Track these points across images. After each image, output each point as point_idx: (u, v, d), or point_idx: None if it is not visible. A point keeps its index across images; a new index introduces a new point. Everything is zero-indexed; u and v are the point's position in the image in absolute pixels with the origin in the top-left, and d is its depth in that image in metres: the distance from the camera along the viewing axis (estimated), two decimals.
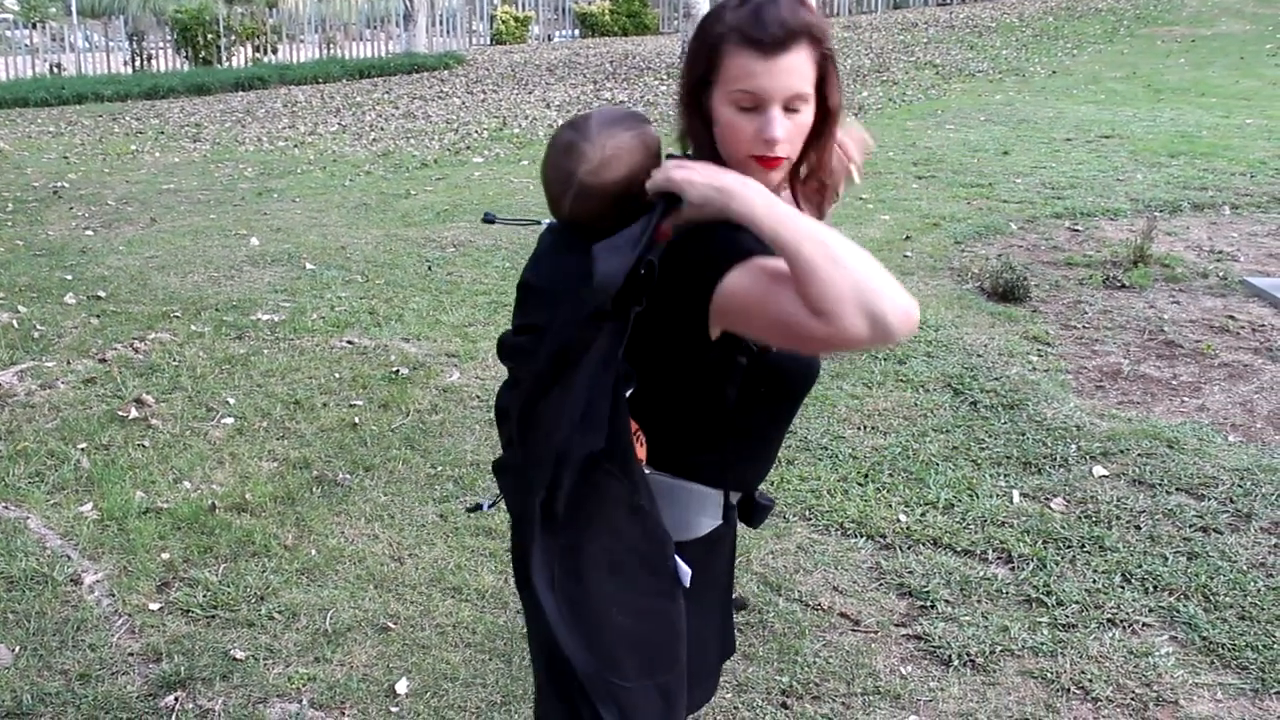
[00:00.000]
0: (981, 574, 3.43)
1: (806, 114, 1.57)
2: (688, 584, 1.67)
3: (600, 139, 1.57)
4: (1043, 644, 3.08)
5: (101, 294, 6.51)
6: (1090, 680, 2.93)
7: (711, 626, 1.87)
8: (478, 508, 1.82)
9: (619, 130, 1.58)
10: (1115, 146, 10.21)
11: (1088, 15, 20.46)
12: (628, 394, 1.56)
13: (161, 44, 22.78)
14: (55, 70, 21.07)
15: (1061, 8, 21.53)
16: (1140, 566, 3.43)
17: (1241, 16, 19.66)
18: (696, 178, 1.48)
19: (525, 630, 1.68)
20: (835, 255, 1.37)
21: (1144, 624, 3.17)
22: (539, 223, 1.76)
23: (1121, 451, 4.19)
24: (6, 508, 3.98)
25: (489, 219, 1.87)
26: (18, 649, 3.14)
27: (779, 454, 1.86)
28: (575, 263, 1.52)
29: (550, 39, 25.41)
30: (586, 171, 1.56)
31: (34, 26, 22.75)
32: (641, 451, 1.66)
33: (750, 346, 1.58)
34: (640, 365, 1.60)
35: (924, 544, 3.61)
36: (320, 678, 3.02)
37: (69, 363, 5.38)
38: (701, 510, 1.73)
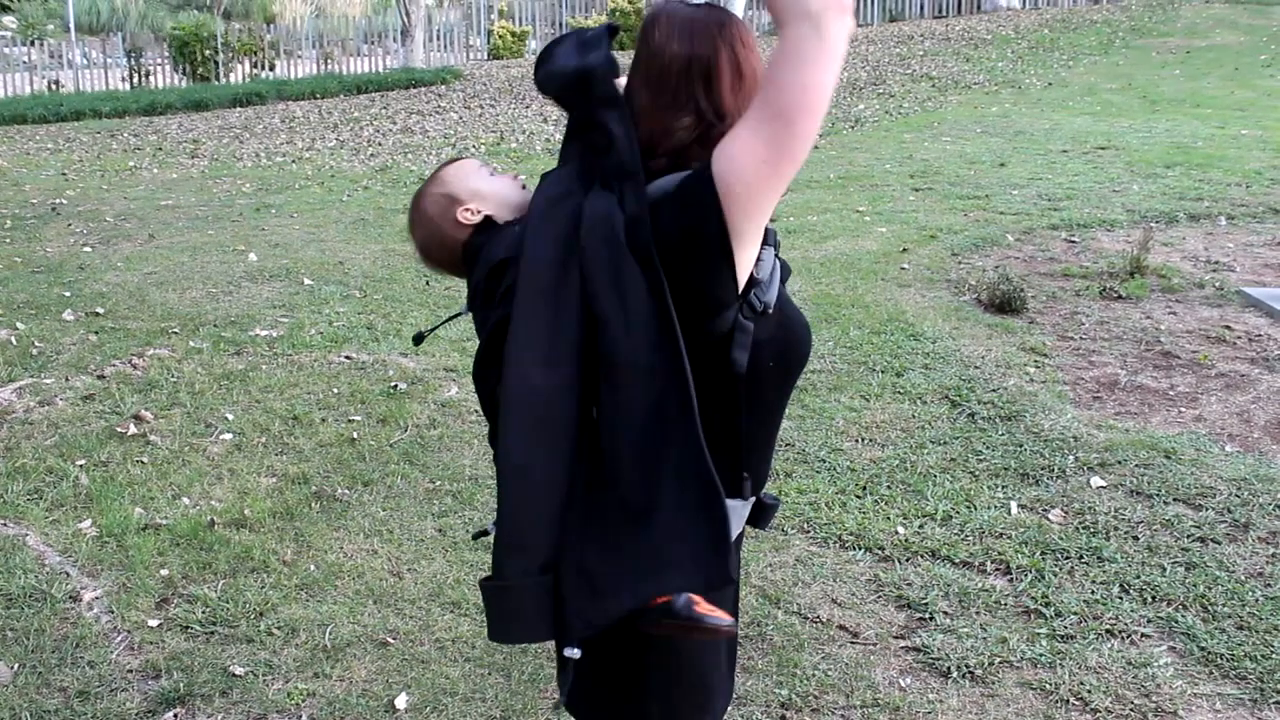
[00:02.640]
0: (980, 585, 3.43)
1: None
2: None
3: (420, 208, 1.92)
4: (1041, 655, 3.09)
5: (100, 310, 6.52)
6: (1089, 691, 2.93)
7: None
8: (484, 533, 1.82)
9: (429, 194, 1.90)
10: (1111, 158, 10.24)
11: (1083, 27, 20.53)
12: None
13: (159, 60, 22.86)
14: (53, 87, 21.12)
15: (1057, 20, 21.61)
16: (1138, 577, 3.44)
17: (1236, 28, 19.73)
18: None
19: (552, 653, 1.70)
20: None
21: (1142, 634, 3.18)
22: (460, 313, 1.92)
23: (1119, 462, 4.20)
24: (5, 525, 3.98)
25: (418, 339, 2.04)
26: (17, 666, 3.14)
27: (776, 466, 1.87)
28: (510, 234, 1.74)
29: None
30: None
31: (32, 43, 22.81)
32: None
33: (757, 304, 1.62)
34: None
35: (922, 556, 3.62)
36: (320, 693, 3.02)
37: (67, 379, 5.39)
38: (734, 524, 1.75)
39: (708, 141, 1.61)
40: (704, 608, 1.62)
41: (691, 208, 1.56)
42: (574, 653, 1.63)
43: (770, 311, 1.65)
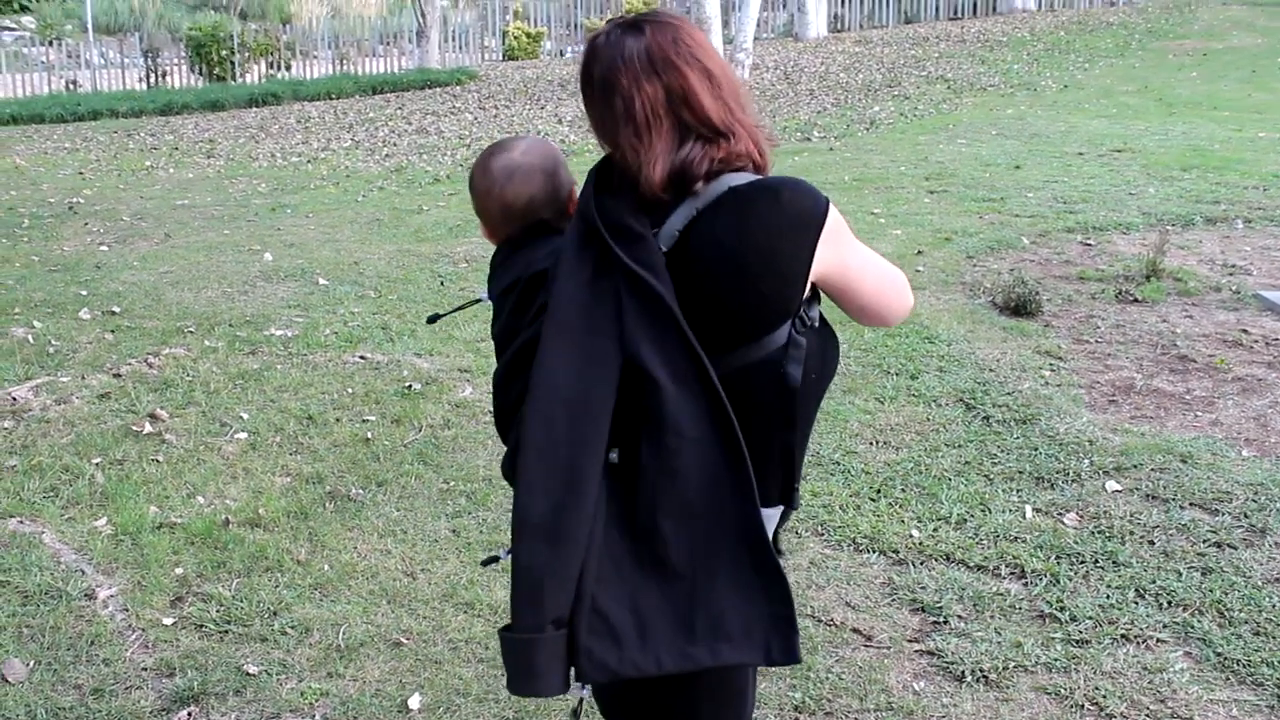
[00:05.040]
0: (994, 589, 3.42)
1: None
2: None
3: (520, 158, 1.86)
4: (1056, 660, 3.07)
5: (116, 309, 6.54)
6: (1104, 696, 2.92)
7: None
8: (493, 560, 1.83)
9: (535, 155, 1.86)
10: (1127, 160, 10.20)
11: (1099, 30, 20.46)
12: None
13: (176, 61, 22.94)
14: (71, 87, 21.23)
15: (1073, 22, 21.54)
16: (1154, 582, 3.42)
17: (1253, 30, 19.64)
18: None
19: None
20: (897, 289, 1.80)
21: (1158, 640, 3.16)
22: (478, 300, 1.91)
23: (1135, 466, 4.18)
24: (21, 522, 4.00)
25: (432, 320, 2.07)
26: (32, 663, 3.16)
27: None
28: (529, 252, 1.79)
29: (562, 54, 25.49)
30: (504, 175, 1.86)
31: (50, 43, 22.93)
32: None
33: (807, 319, 1.66)
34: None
35: (936, 559, 3.61)
36: (333, 693, 3.02)
37: (84, 378, 5.41)
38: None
39: (724, 150, 1.66)
40: None
41: (794, 211, 1.62)
42: (582, 692, 1.65)
43: (816, 325, 1.69)
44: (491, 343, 1.82)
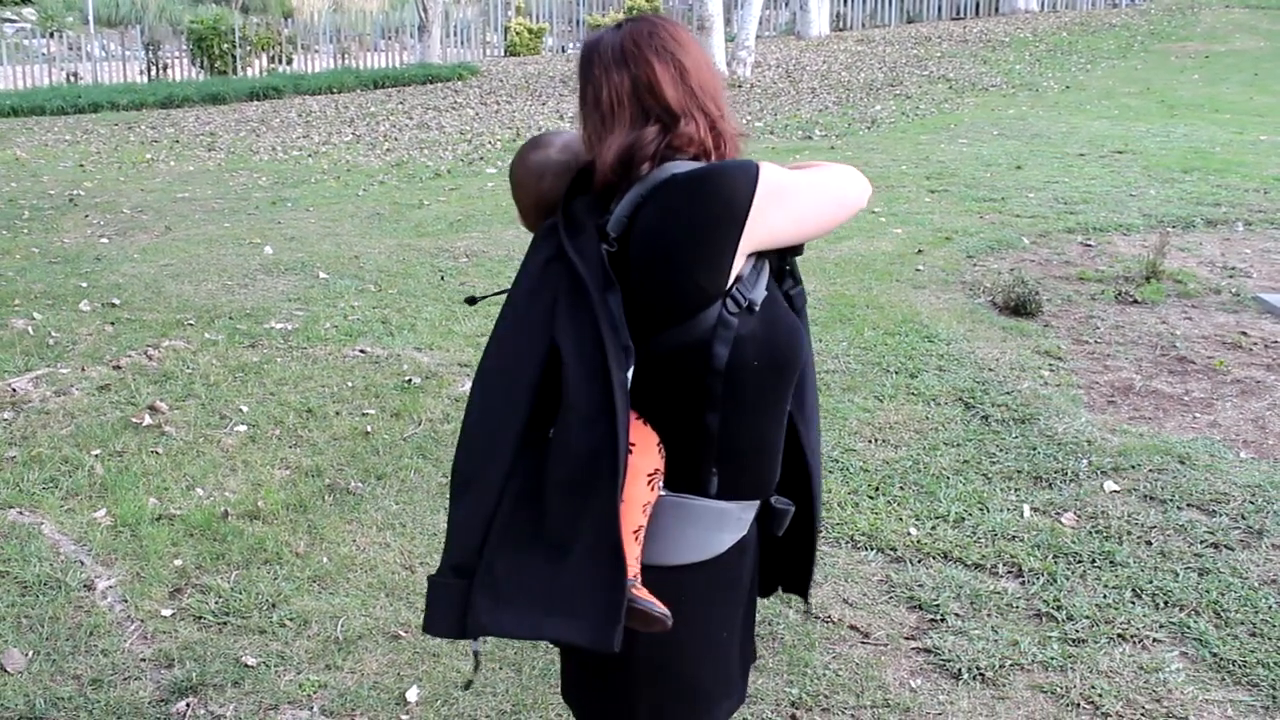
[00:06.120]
0: (992, 588, 3.43)
1: None
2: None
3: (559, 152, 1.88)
4: (1053, 658, 3.08)
5: (116, 301, 6.55)
6: (1100, 695, 2.93)
7: (734, 638, 1.88)
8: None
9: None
10: (1128, 162, 10.21)
11: (1101, 31, 20.47)
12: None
13: (177, 53, 22.92)
14: (72, 79, 21.21)
15: (1075, 23, 21.54)
16: (1151, 582, 3.43)
17: (1256, 33, 19.65)
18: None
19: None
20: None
21: (1154, 639, 3.17)
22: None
23: (1133, 467, 4.19)
24: (21, 513, 4.01)
25: (472, 301, 2.12)
26: (31, 654, 3.16)
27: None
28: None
29: (564, 50, 25.48)
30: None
31: (51, 35, 22.91)
32: (659, 461, 1.69)
33: (741, 300, 1.67)
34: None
35: (934, 557, 3.61)
36: (331, 685, 3.03)
37: (83, 369, 5.41)
38: (721, 526, 1.75)
39: (675, 135, 1.72)
40: (641, 593, 1.66)
41: (716, 200, 1.64)
42: (476, 645, 1.73)
43: (755, 309, 1.68)
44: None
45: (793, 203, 1.71)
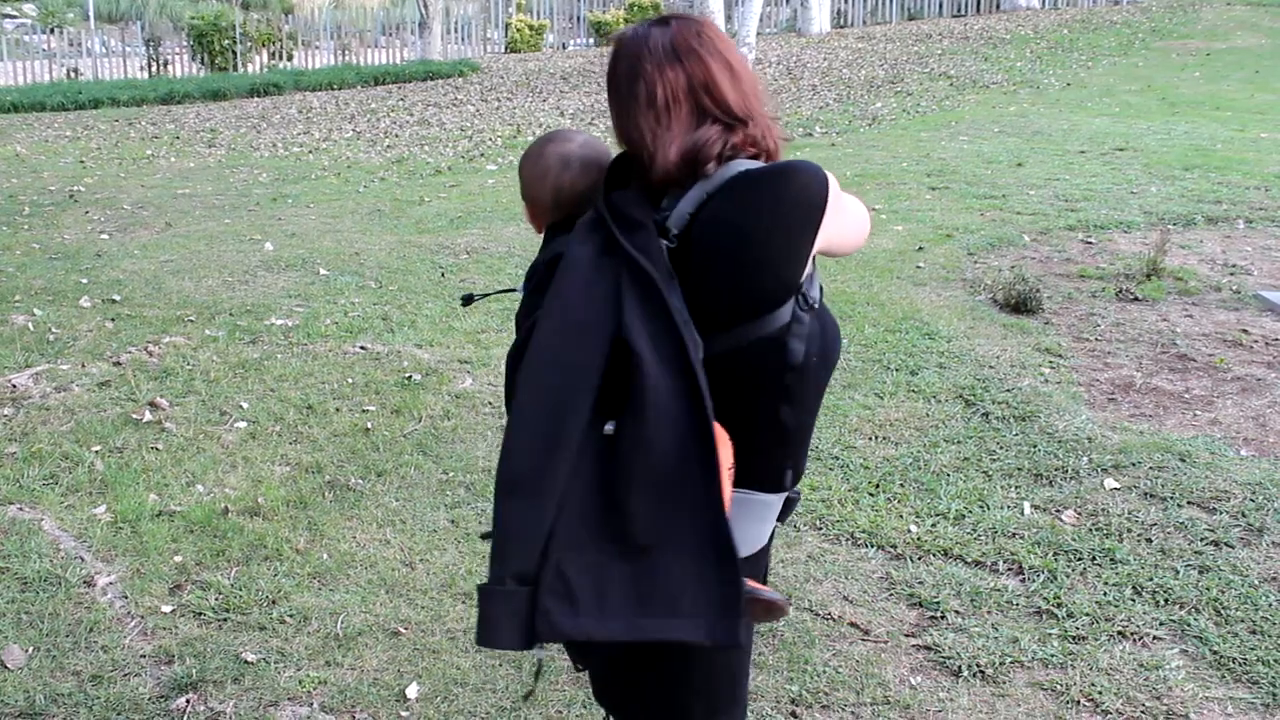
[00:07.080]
0: (992, 585, 3.43)
1: None
2: None
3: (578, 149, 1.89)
4: (1053, 656, 3.08)
5: (116, 298, 6.54)
6: (1100, 693, 2.93)
7: (748, 630, 1.95)
8: (489, 535, 1.85)
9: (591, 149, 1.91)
10: (1129, 159, 10.20)
11: (1102, 28, 20.45)
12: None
13: (178, 50, 22.90)
14: (72, 75, 21.19)
15: (1076, 20, 21.53)
16: (1151, 579, 3.43)
17: (1257, 30, 19.63)
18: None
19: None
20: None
21: (1154, 637, 3.17)
22: (514, 289, 1.91)
23: (1133, 464, 4.18)
24: (21, 509, 4.01)
25: (467, 300, 2.04)
26: (31, 649, 3.16)
27: None
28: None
29: (565, 47, 25.47)
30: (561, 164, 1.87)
31: (51, 31, 22.90)
32: (731, 457, 1.69)
33: (811, 300, 1.72)
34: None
35: (934, 554, 3.61)
36: (331, 681, 3.03)
37: (84, 366, 5.41)
38: (766, 518, 1.81)
39: (739, 135, 1.73)
40: (754, 584, 1.70)
41: (801, 198, 1.67)
42: (541, 653, 1.66)
43: (816, 306, 1.74)
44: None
45: (843, 214, 1.77)
